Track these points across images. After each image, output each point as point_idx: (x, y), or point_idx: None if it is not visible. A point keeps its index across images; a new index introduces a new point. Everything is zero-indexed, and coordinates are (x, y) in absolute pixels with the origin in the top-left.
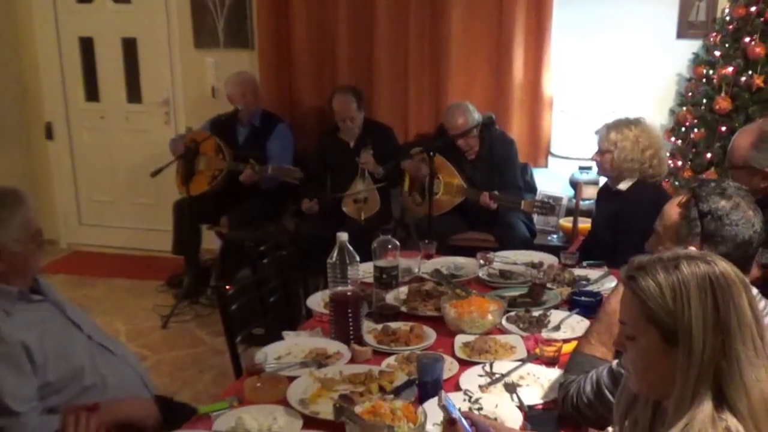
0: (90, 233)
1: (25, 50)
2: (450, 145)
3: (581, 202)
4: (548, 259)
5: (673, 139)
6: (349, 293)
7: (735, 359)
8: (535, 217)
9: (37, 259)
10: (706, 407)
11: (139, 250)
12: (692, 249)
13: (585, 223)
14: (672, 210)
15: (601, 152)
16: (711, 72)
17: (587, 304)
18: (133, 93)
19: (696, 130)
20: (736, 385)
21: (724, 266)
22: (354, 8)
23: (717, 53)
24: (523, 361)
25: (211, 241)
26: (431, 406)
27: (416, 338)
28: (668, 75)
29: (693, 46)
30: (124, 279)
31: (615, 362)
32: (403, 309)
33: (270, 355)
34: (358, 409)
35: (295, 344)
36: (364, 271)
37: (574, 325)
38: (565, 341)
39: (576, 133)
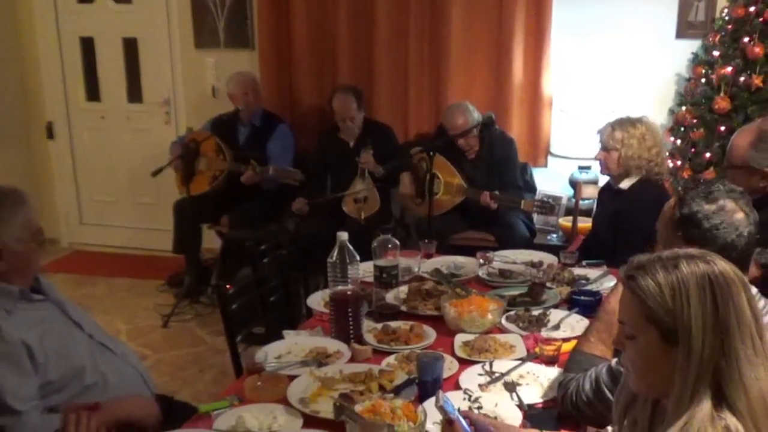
0: (91, 232)
1: (26, 50)
2: (450, 144)
3: (581, 202)
4: (548, 258)
5: (672, 138)
6: (349, 292)
7: (734, 358)
8: (535, 217)
9: (38, 258)
10: (706, 406)
11: (140, 249)
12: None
13: (584, 223)
14: (664, 212)
15: (606, 150)
16: (710, 72)
17: (586, 304)
18: (134, 93)
19: (695, 129)
20: (735, 384)
21: (723, 265)
22: (354, 8)
23: (716, 53)
24: (523, 360)
25: (211, 241)
26: (431, 405)
27: (416, 337)
28: (667, 75)
29: (692, 46)
30: (125, 278)
31: (614, 361)
32: (403, 308)
33: (270, 354)
34: (358, 408)
35: (295, 343)
36: (365, 270)
37: (574, 324)
38: (565, 340)
39: (575, 133)
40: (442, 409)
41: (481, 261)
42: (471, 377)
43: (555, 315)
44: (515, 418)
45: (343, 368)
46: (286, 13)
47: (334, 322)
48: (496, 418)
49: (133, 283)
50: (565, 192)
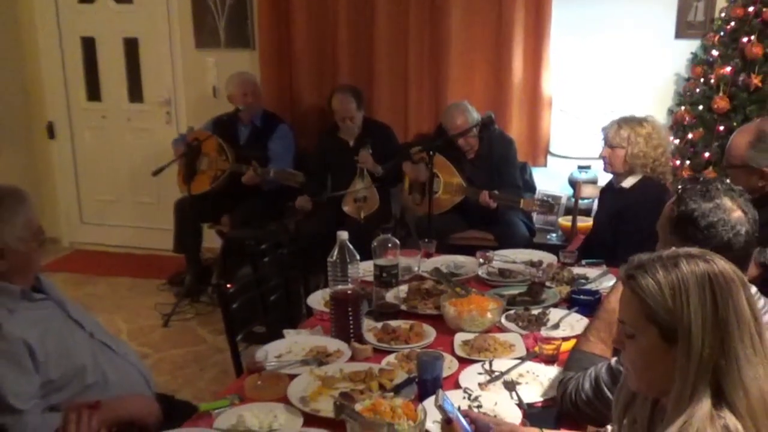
0: (92, 232)
1: (28, 50)
2: (450, 144)
3: (580, 201)
4: (547, 257)
5: (671, 138)
6: (349, 292)
7: (733, 357)
8: (535, 216)
9: (39, 257)
10: (705, 405)
11: (141, 248)
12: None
13: (584, 222)
14: (664, 210)
15: (611, 148)
16: (709, 72)
17: (586, 303)
18: (135, 93)
19: (694, 129)
20: (735, 383)
21: (723, 265)
22: (354, 8)
23: (715, 53)
24: (523, 359)
25: (212, 240)
26: (431, 403)
27: (416, 336)
28: (667, 75)
29: (691, 46)
30: (126, 277)
31: (614, 360)
32: (403, 307)
33: (271, 353)
34: (358, 406)
35: (295, 342)
36: (365, 269)
37: (573, 323)
38: (564, 339)
39: (575, 133)
40: (440, 408)
41: (481, 260)
42: (471, 376)
43: (554, 314)
44: (515, 416)
45: (344, 367)
46: (287, 13)
47: (335, 321)
48: (495, 416)
49: (134, 282)
50: (564, 191)
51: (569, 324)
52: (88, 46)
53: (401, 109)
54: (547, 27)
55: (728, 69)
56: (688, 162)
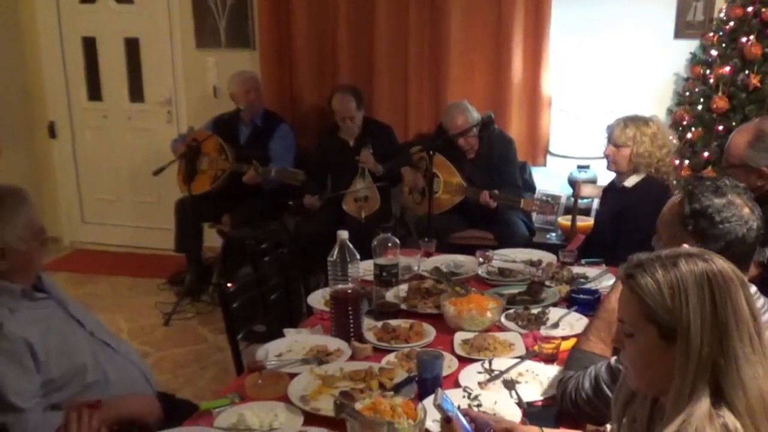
0: (93, 231)
1: (29, 50)
2: (450, 144)
3: (579, 201)
4: (547, 257)
5: (673, 138)
6: (349, 291)
7: (732, 356)
8: (534, 216)
9: (41, 257)
10: (704, 404)
11: (142, 248)
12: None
13: (583, 222)
14: (669, 208)
15: (616, 146)
16: (708, 72)
17: (585, 302)
18: (136, 92)
19: (693, 129)
20: (734, 382)
21: (721, 264)
22: (354, 8)
23: (714, 53)
24: (522, 358)
25: (212, 240)
26: (431, 402)
27: (416, 335)
28: (666, 74)
29: (690, 45)
30: (127, 277)
31: (613, 358)
32: (403, 306)
33: (271, 352)
34: (358, 405)
35: (295, 341)
36: (365, 268)
37: (573, 322)
38: (564, 338)
39: (574, 133)
40: (439, 407)
41: (481, 260)
42: (470, 375)
43: (554, 313)
44: (514, 415)
45: (344, 366)
46: (287, 13)
47: (335, 320)
48: (495, 415)
49: (135, 281)
50: (564, 191)
51: (569, 323)
52: (89, 46)
53: (401, 109)
54: (546, 27)
55: (727, 69)
56: (687, 162)
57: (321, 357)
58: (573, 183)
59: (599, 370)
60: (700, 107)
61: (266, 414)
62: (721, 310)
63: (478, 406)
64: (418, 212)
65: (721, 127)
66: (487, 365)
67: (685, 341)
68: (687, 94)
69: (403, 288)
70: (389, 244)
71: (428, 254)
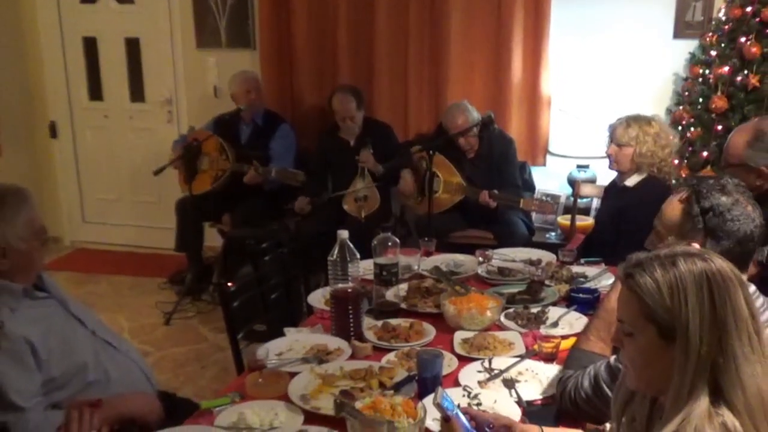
0: (93, 231)
1: (30, 50)
2: (450, 143)
3: (579, 200)
4: (546, 256)
5: (675, 138)
6: (349, 290)
7: (731, 355)
8: (534, 215)
9: (41, 256)
10: (703, 403)
11: (142, 247)
12: (690, 246)
13: (582, 221)
14: (673, 207)
15: (618, 146)
16: (707, 71)
17: (585, 301)
18: (136, 92)
19: (692, 128)
20: (733, 381)
21: (720, 263)
22: (354, 8)
23: (713, 53)
24: (522, 357)
25: (213, 239)
26: (431, 401)
27: (416, 334)
28: (665, 74)
29: (689, 45)
30: (128, 276)
31: (613, 358)
32: (403, 306)
33: (271, 351)
34: (358, 404)
35: (296, 340)
36: (365, 268)
37: (572, 321)
38: (563, 337)
39: (574, 132)
40: (439, 406)
41: (481, 259)
42: (470, 374)
43: (553, 312)
44: (514, 414)
45: (344, 365)
46: (287, 13)
47: (335, 319)
48: (494, 413)
49: (136, 280)
50: (563, 190)
51: (568, 322)
52: (90, 46)
53: (401, 109)
54: (546, 27)
55: (726, 69)
56: (686, 161)
57: (321, 356)
58: (572, 182)
59: (599, 370)
60: (699, 107)
61: (266, 413)
62: (720, 310)
63: (478, 405)
64: (418, 212)
65: (720, 127)
66: (486, 364)
67: (684, 340)
68: (686, 93)
69: (403, 287)
70: (389, 244)
71: (428, 253)
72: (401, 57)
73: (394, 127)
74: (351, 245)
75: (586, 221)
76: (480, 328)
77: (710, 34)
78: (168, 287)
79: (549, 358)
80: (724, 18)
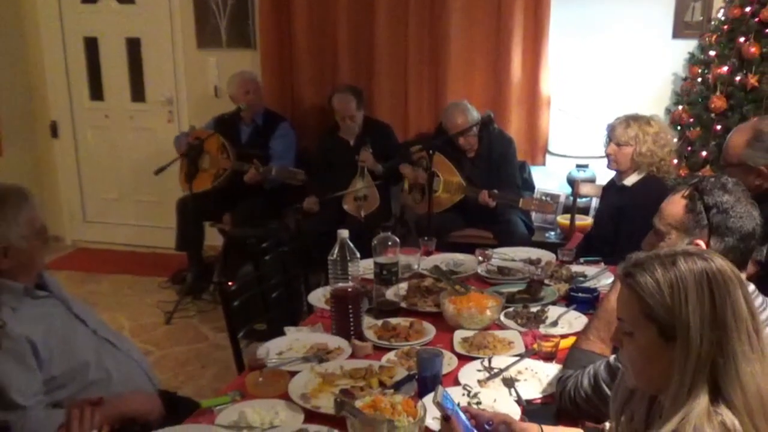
0: (94, 230)
1: (31, 50)
2: (449, 143)
3: (578, 200)
4: (546, 255)
5: (673, 138)
6: (349, 289)
7: (731, 354)
8: (534, 215)
9: (43, 255)
10: (702, 401)
11: (143, 246)
12: (689, 245)
13: (582, 221)
14: (676, 204)
15: (618, 145)
16: (706, 71)
17: (584, 300)
18: (137, 92)
19: (691, 128)
20: (732, 380)
21: (720, 263)
22: (354, 8)
23: (712, 53)
24: (521, 356)
25: (214, 238)
26: (431, 400)
27: (416, 334)
28: (664, 74)
29: (689, 45)
30: (128, 275)
31: (612, 357)
32: (403, 305)
33: (272, 350)
34: (358, 403)
35: (296, 340)
36: (365, 267)
37: (572, 320)
38: (563, 337)
39: (573, 132)
40: (439, 405)
41: (480, 258)
42: (470, 373)
43: (553, 312)
44: (513, 413)
45: (344, 364)
46: (287, 14)
47: (335, 318)
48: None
49: (136, 280)
50: (563, 190)
51: (567, 321)
52: (91, 46)
53: (401, 109)
54: (545, 27)
55: (725, 69)
56: (685, 161)
57: (321, 355)
58: (572, 182)
59: (598, 369)
60: (698, 107)
61: (267, 412)
62: (720, 309)
63: (478, 403)
64: (418, 211)
65: (719, 127)
66: (486, 363)
67: (684, 339)
68: (685, 93)
69: (403, 286)
70: (389, 243)
71: (428, 253)
72: (401, 57)
73: (394, 127)
74: (351, 244)
75: (586, 221)
76: (480, 327)
77: (709, 34)
78: (169, 286)
79: (548, 357)
80: (723, 18)
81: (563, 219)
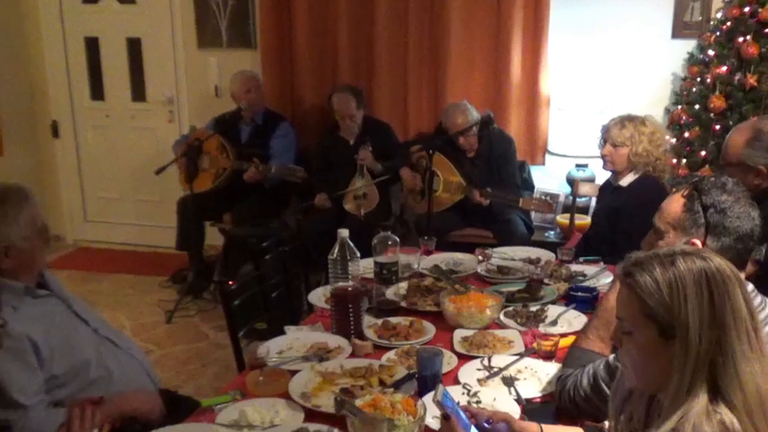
0: (95, 230)
1: (32, 50)
2: (449, 143)
3: (578, 199)
4: (545, 255)
5: (668, 137)
6: (349, 288)
7: (730, 354)
8: (533, 214)
9: (44, 255)
10: (702, 400)
11: (144, 246)
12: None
13: (581, 220)
14: (674, 203)
15: (613, 146)
16: (705, 71)
17: (584, 300)
18: (138, 92)
19: (691, 128)
20: (731, 379)
21: (719, 262)
22: (354, 8)
23: (711, 53)
24: (521, 355)
25: (214, 238)
26: (430, 399)
27: (416, 333)
28: (663, 74)
29: (688, 45)
30: (129, 275)
31: (612, 356)
32: (403, 304)
33: (272, 349)
34: (358, 402)
35: (296, 339)
36: (365, 266)
37: (571, 320)
38: (562, 336)
39: (573, 132)
40: (438, 404)
41: (480, 258)
42: (470, 372)
43: (552, 311)
44: (513, 412)
45: (344, 363)
46: (288, 14)
47: (335, 317)
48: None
49: (137, 279)
50: (562, 189)
51: (567, 320)
52: (92, 46)
53: (401, 108)
54: (545, 27)
55: (724, 68)
56: (684, 161)
57: (322, 354)
58: (571, 181)
59: (597, 368)
60: (697, 107)
61: (267, 411)
62: (719, 308)
63: (478, 402)
64: (418, 210)
65: (718, 127)
66: (486, 362)
67: (683, 339)
68: (684, 93)
69: (403, 286)
70: (389, 242)
71: (428, 252)
72: (401, 57)
73: (393, 127)
74: (351, 244)
75: (585, 220)
76: (479, 327)
77: (708, 34)
78: (169, 286)
79: (548, 356)
80: (722, 18)
81: (563, 218)
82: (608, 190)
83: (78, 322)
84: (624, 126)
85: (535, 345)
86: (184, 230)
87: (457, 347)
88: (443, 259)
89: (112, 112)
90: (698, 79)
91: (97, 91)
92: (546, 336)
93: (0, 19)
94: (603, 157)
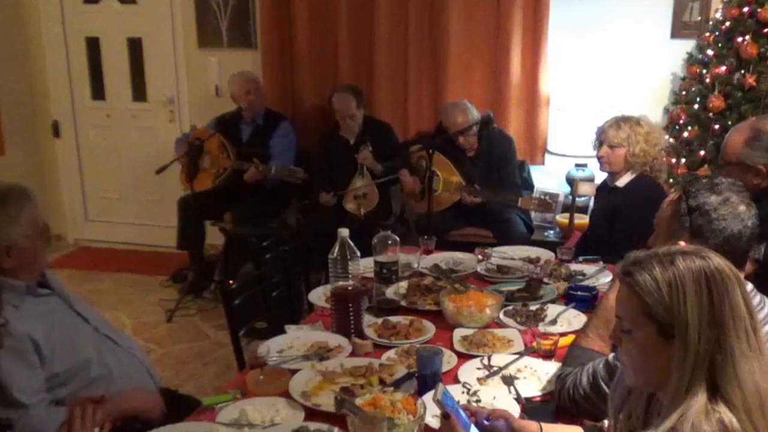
0: (96, 229)
1: (33, 50)
2: (449, 142)
3: (577, 199)
4: (545, 254)
5: (667, 137)
6: (350, 288)
7: (729, 353)
8: (533, 214)
9: (45, 254)
10: (701, 399)
11: (145, 245)
12: (685, 244)
13: (581, 220)
14: (666, 206)
15: (610, 147)
16: (704, 71)
17: (583, 299)
18: (139, 92)
19: (690, 128)
20: (730, 378)
21: (718, 261)
22: (355, 8)
23: (710, 53)
24: (521, 354)
25: (214, 237)
26: (430, 398)
27: (416, 332)
28: (663, 74)
29: (687, 45)
30: (130, 274)
31: (611, 355)
32: (403, 303)
33: (272, 348)
34: (358, 401)
35: (297, 338)
36: (365, 266)
37: (571, 319)
38: (562, 335)
39: (572, 131)
40: (438, 403)
41: (480, 257)
42: (469, 371)
43: (552, 310)
44: (513, 411)
45: (344, 362)
46: (288, 14)
47: (335, 317)
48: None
49: (138, 278)
50: (562, 189)
51: (566, 319)
52: (93, 45)
53: (401, 108)
54: (544, 27)
55: (723, 68)
56: (683, 160)
57: (322, 353)
58: (571, 181)
59: (597, 367)
60: (696, 106)
61: (267, 409)
62: (718, 307)
63: (477, 401)
64: (418, 210)
65: (717, 126)
66: (486, 361)
67: (682, 337)
68: (683, 93)
69: (403, 285)
70: (389, 242)
71: (428, 251)
72: (401, 56)
73: (394, 126)
74: (351, 243)
75: (585, 219)
76: (479, 326)
77: (707, 33)
78: (170, 285)
79: (547, 355)
80: (721, 18)
81: (562, 218)
82: (605, 191)
83: (79, 320)
84: (620, 127)
85: (534, 344)
86: (184, 230)
87: (457, 346)
88: (443, 258)
89: (113, 112)
90: (697, 79)
91: (97, 90)
92: (545, 335)
93: (1, 19)
94: (599, 158)
